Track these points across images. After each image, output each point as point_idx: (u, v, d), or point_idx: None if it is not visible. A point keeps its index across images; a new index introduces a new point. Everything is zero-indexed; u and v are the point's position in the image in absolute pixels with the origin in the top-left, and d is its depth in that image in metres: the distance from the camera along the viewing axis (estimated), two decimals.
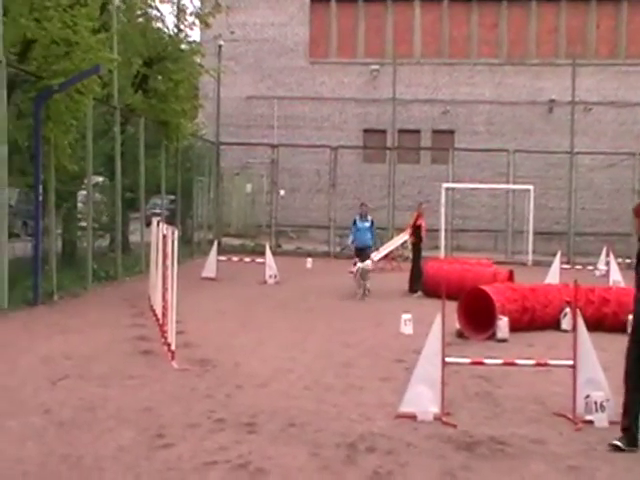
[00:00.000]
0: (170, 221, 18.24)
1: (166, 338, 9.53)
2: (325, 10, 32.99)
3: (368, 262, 16.19)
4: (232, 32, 29.82)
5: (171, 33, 22.20)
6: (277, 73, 32.69)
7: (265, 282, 17.68)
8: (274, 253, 19.84)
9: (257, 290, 16.61)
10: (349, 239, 17.51)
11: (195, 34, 31.79)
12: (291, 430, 6.48)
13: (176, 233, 9.71)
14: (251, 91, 32.70)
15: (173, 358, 8.85)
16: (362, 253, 16.50)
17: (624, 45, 31.98)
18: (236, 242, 27.51)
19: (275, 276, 17.89)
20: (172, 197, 24.12)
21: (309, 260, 22.37)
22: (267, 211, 29.21)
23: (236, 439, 6.19)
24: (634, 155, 27.56)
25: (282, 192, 29.61)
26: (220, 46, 28.45)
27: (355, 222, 17.04)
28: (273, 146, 29.41)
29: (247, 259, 19.81)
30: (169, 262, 9.61)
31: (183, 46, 22.44)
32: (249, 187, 32.00)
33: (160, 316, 10.68)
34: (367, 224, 16.86)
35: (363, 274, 15.75)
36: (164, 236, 10.42)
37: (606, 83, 31.19)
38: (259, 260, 18.65)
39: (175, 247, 9.41)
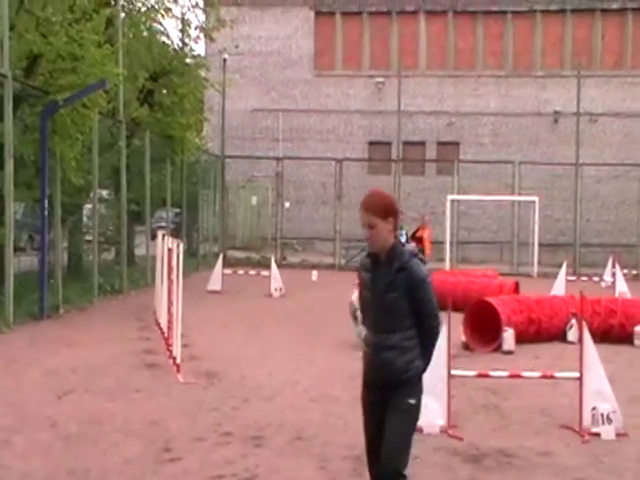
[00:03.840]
0: (175, 234, 18.27)
1: (171, 351, 9.54)
2: (330, 22, 33.10)
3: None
4: (236, 46, 29.99)
5: (176, 47, 22.35)
6: (282, 86, 32.79)
7: (270, 295, 17.68)
8: (279, 265, 19.84)
9: (263, 303, 16.61)
10: None
11: (200, 48, 31.99)
12: (298, 443, 6.47)
13: (181, 246, 9.74)
14: (256, 104, 32.80)
15: (179, 371, 8.85)
16: None
17: (629, 56, 31.99)
18: (241, 255, 27.51)
19: (280, 289, 17.89)
20: (178, 210, 24.19)
21: (314, 272, 22.34)
22: (272, 223, 29.24)
23: (243, 452, 6.18)
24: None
25: (287, 204, 29.63)
26: (225, 59, 28.58)
27: None
28: (278, 159, 29.45)
29: (252, 272, 19.82)
30: (174, 275, 9.63)
31: (188, 60, 22.59)
32: (254, 200, 32.04)
33: (165, 329, 10.70)
34: (402, 238, 14.09)
35: None
36: (169, 249, 10.45)
37: (611, 94, 31.19)
38: (264, 273, 18.65)
39: (180, 260, 9.44)
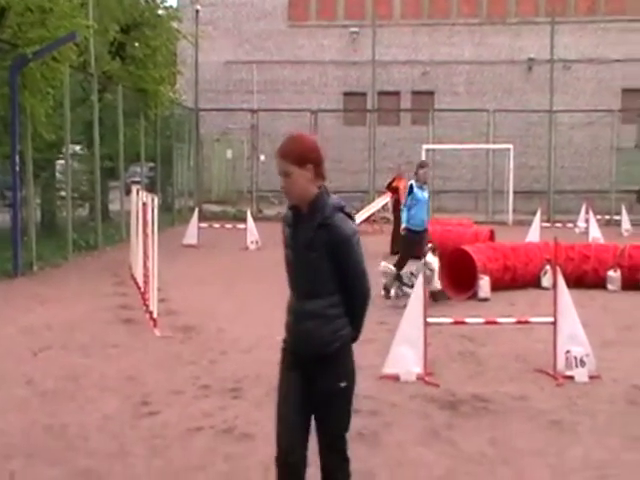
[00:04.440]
0: (150, 189, 18.08)
1: (148, 306, 9.51)
2: None
3: (430, 257, 10.62)
4: None
5: None
6: (256, 37, 32.31)
7: (247, 248, 17.65)
8: (255, 219, 19.76)
9: (239, 256, 16.58)
10: (412, 218, 11.29)
11: None
12: (275, 394, 6.48)
13: (156, 201, 9.64)
14: (230, 56, 32.33)
15: (155, 326, 8.83)
16: (419, 240, 11.13)
17: (603, 1, 31.83)
18: (217, 208, 27.38)
19: (257, 242, 17.86)
20: (152, 165, 23.94)
21: None
22: (248, 176, 29.06)
23: (221, 405, 6.20)
24: (613, 112, 27.60)
25: (262, 157, 29.39)
26: (197, 11, 28.07)
27: (412, 190, 11.36)
28: (253, 111, 29.15)
29: (228, 225, 19.73)
30: (149, 230, 9.56)
31: (160, 12, 22.15)
32: (229, 153, 31.77)
33: (141, 284, 10.65)
34: (426, 194, 11.60)
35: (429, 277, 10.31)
36: (144, 204, 10.35)
37: (585, 40, 31.08)
38: (240, 226, 18.59)
39: (155, 215, 9.35)
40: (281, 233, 3.79)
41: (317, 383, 3.70)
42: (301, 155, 3.62)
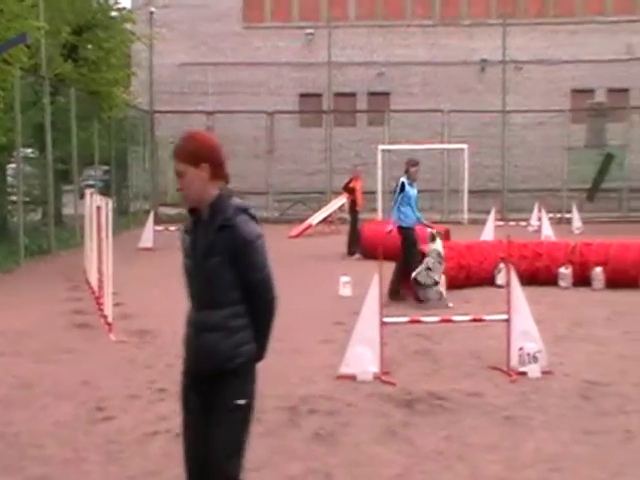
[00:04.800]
0: (105, 192, 17.90)
1: (103, 310, 9.42)
2: None
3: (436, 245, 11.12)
4: None
5: (100, 0, 21.68)
6: (211, 39, 32.13)
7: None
8: None
9: None
10: (397, 215, 11.39)
11: (125, 0, 31.20)
12: None
13: (110, 204, 9.56)
14: (185, 58, 32.10)
15: (111, 330, 8.75)
16: (414, 236, 11.41)
17: (552, 4, 32.38)
18: (173, 211, 27.11)
19: None
20: (106, 168, 23.68)
21: None
22: None
23: (177, 408, 6.08)
24: (563, 112, 28.11)
25: None
26: (152, 12, 27.86)
27: (403, 188, 11.32)
28: (209, 113, 29.04)
29: None
30: (104, 234, 9.46)
31: (113, 13, 21.95)
32: None
33: (96, 289, 10.54)
34: (416, 191, 11.59)
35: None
36: (98, 207, 10.24)
37: (536, 42, 31.56)
38: None
39: (110, 218, 9.27)
40: (180, 242, 3.52)
41: (215, 400, 3.37)
42: (195, 154, 3.37)
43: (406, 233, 11.25)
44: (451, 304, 10.56)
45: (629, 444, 5.36)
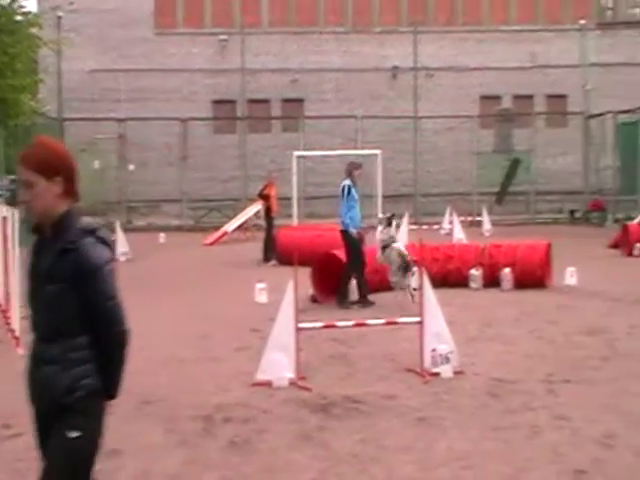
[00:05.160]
0: (11, 202, 17.34)
1: (10, 324, 9.12)
2: None
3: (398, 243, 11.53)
4: (71, 2, 28.55)
5: (3, 3, 21.04)
6: (122, 45, 31.59)
7: (116, 260, 17.22)
8: (126, 230, 19.37)
9: None
10: (346, 218, 11.25)
11: (31, 5, 30.33)
12: (146, 408, 6.39)
13: (17, 215, 9.30)
14: (94, 64, 31.44)
15: (18, 345, 8.47)
16: (359, 240, 11.43)
17: (460, 13, 33.22)
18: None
19: (127, 253, 17.49)
20: (13, 177, 22.99)
21: (162, 235, 22.01)
22: (117, 187, 28.39)
23: None
24: (472, 118, 28.86)
25: (132, 167, 28.85)
26: (59, 17, 27.23)
27: (350, 191, 11.24)
28: (120, 120, 28.55)
29: None
30: (10, 245, 9.19)
31: (18, 17, 21.34)
32: (97, 163, 30.91)
33: (3, 301, 10.20)
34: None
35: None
36: (4, 218, 9.94)
37: (445, 49, 32.32)
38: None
39: (16, 229, 9.01)
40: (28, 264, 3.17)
41: (51, 434, 3.09)
42: (49, 165, 3.02)
43: (350, 238, 11.14)
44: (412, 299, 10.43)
45: (535, 439, 5.53)
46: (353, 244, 11.18)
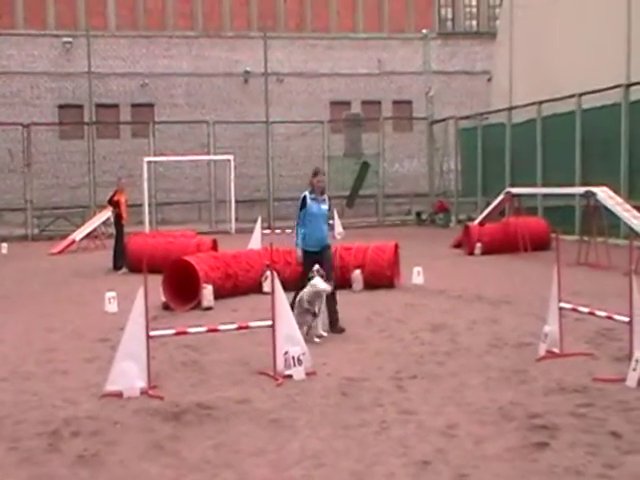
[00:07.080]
0: None
1: None
2: None
3: (328, 285, 9.00)
4: None
5: None
6: None
7: None
8: None
9: None
10: (298, 236, 9.56)
11: None
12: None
13: None
14: None
15: None
16: (319, 259, 9.36)
17: (310, 19, 33.80)
18: None
19: None
20: None
21: (4, 245, 20.99)
22: None
23: None
24: (323, 123, 29.41)
25: None
26: None
27: (305, 203, 9.52)
28: None
29: None
30: None
31: None
32: None
33: None
34: (325, 207, 9.63)
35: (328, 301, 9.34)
36: None
37: (295, 55, 32.80)
38: None
39: None
40: None
41: None
42: None
43: (304, 257, 9.47)
44: (317, 340, 8.90)
45: (383, 434, 5.70)
46: (303, 265, 9.55)
